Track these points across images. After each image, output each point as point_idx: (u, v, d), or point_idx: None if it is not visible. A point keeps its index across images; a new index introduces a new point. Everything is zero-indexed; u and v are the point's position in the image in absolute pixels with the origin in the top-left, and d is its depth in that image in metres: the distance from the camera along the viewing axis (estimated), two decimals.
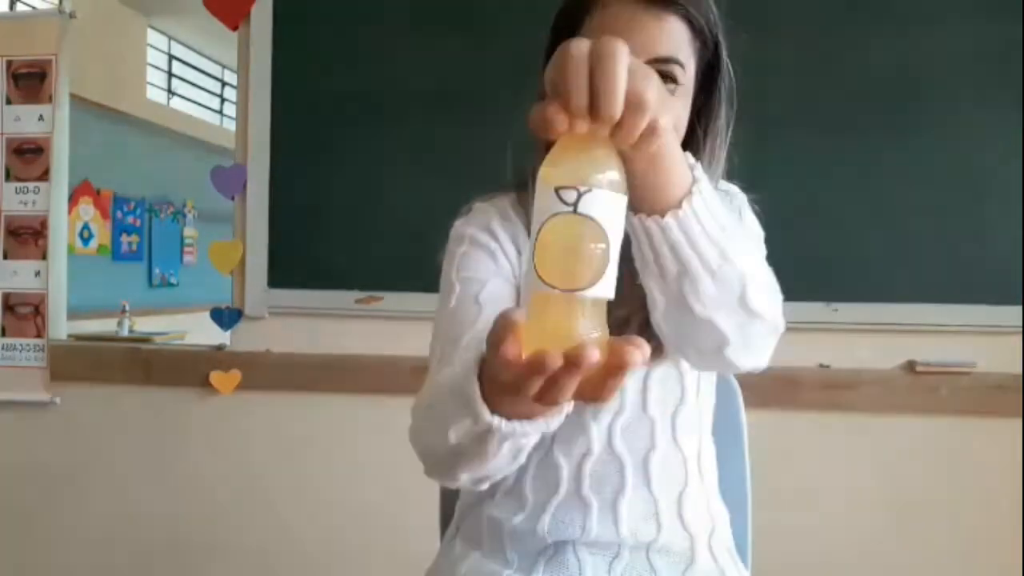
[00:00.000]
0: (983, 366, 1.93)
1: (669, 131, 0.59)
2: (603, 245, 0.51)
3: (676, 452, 0.92)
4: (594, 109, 0.53)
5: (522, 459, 0.70)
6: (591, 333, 0.51)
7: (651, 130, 0.55)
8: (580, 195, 0.51)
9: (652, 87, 0.54)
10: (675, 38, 0.82)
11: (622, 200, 0.53)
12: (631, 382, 0.90)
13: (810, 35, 1.95)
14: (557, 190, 0.51)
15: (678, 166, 0.66)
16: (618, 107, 0.52)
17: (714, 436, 1.01)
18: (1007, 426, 1.92)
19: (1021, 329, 1.91)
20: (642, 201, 0.67)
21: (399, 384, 2.01)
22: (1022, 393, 1.90)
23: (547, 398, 0.52)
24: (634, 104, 0.53)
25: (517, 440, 0.64)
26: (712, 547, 0.94)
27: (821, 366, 1.98)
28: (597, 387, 0.51)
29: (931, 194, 1.92)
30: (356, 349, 2.08)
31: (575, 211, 0.51)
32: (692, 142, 0.89)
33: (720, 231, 0.69)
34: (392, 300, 2.05)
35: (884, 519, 1.97)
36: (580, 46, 0.53)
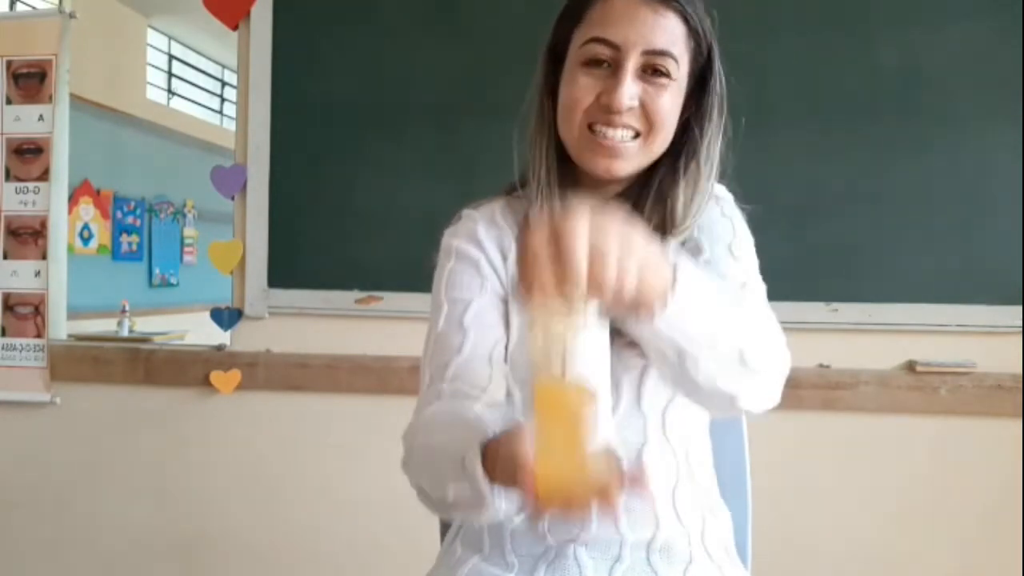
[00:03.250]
0: (983, 366, 1.93)
1: (641, 266, 0.63)
2: (591, 401, 0.58)
3: (666, 447, 0.93)
4: (562, 286, 0.60)
5: (515, 507, 0.75)
6: (596, 479, 0.58)
7: (618, 296, 0.62)
8: (564, 365, 0.59)
9: (609, 266, 0.60)
10: (671, 32, 0.85)
11: (603, 328, 0.64)
12: (627, 379, 0.90)
13: (810, 35, 1.95)
14: (543, 361, 0.59)
15: (656, 275, 0.68)
16: (581, 292, 0.60)
17: (714, 436, 1.01)
18: (1007, 426, 1.92)
19: (1021, 329, 1.91)
20: (629, 311, 0.70)
21: (398, 384, 2.02)
22: (1022, 393, 1.90)
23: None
24: (595, 287, 0.60)
25: (515, 498, 0.70)
26: (706, 545, 0.94)
27: (821, 366, 1.98)
28: (610, 505, 0.58)
29: (931, 194, 1.92)
30: (356, 349, 2.08)
31: (563, 378, 0.59)
32: (689, 143, 0.91)
33: (711, 311, 0.72)
34: (392, 300, 2.05)
35: (884, 519, 1.97)
36: (540, 240, 0.60)
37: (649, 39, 0.84)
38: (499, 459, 0.67)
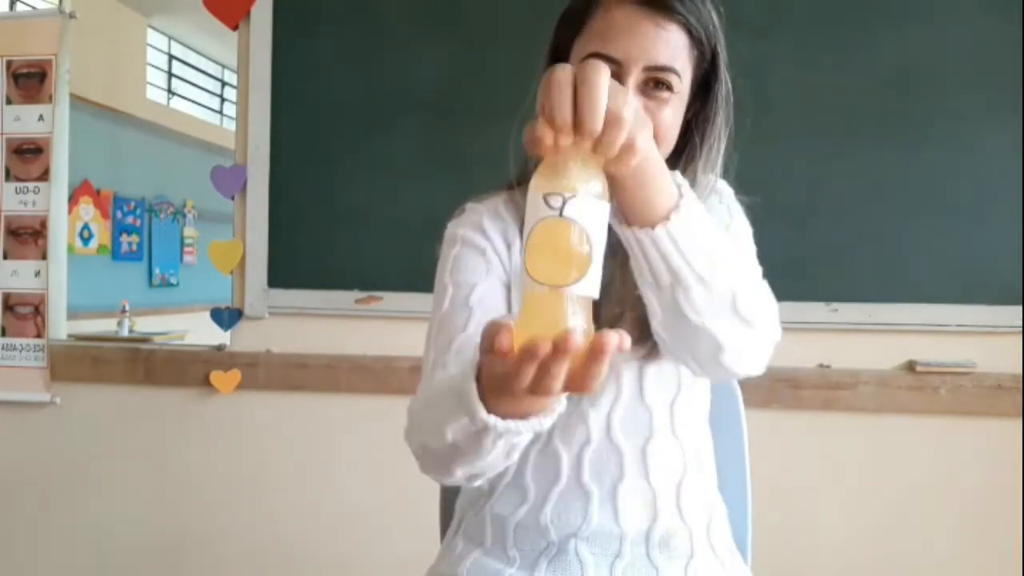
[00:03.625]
0: (983, 366, 1.93)
1: (648, 148, 0.64)
2: (587, 246, 0.57)
3: (674, 442, 0.93)
4: (577, 125, 0.59)
5: (515, 456, 0.74)
6: (577, 324, 0.56)
7: (629, 145, 0.61)
8: (565, 201, 0.57)
9: (629, 107, 0.60)
10: (674, 46, 0.84)
11: (605, 207, 0.59)
12: (627, 372, 0.91)
13: (810, 35, 1.95)
14: (545, 197, 0.58)
15: (663, 182, 0.70)
16: (598, 122, 0.58)
17: (714, 435, 1.02)
18: (1007, 426, 1.92)
19: (1021, 329, 1.91)
20: (632, 215, 0.71)
21: (398, 384, 2.02)
22: (1022, 393, 1.90)
23: (539, 387, 0.56)
24: (612, 120, 0.59)
25: (511, 438, 0.67)
26: (711, 540, 0.95)
27: (821, 366, 1.98)
28: (583, 375, 0.55)
29: (931, 194, 1.92)
30: (356, 349, 2.08)
31: (560, 215, 0.57)
32: (688, 148, 0.90)
33: (708, 242, 0.73)
34: (392, 300, 2.05)
35: (884, 519, 1.97)
36: (565, 70, 0.60)
37: (651, 54, 0.83)
38: (486, 367, 0.62)
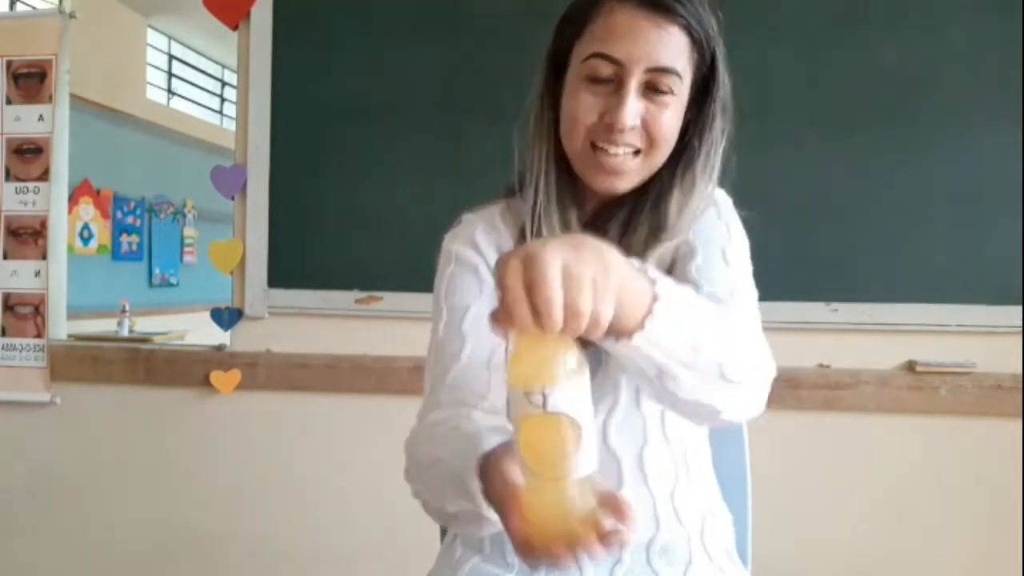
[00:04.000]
0: (983, 366, 1.93)
1: (612, 306, 0.62)
2: (575, 432, 0.58)
3: (666, 448, 0.93)
4: (539, 322, 0.58)
5: None
6: (581, 508, 0.58)
7: (594, 324, 0.60)
8: (545, 397, 0.58)
9: (584, 294, 0.58)
10: (674, 48, 0.84)
11: (584, 374, 0.60)
12: (625, 380, 0.91)
13: (810, 35, 1.95)
14: (525, 393, 0.58)
15: (632, 294, 0.66)
16: (557, 322, 0.58)
17: (714, 436, 1.01)
18: (1007, 426, 1.92)
19: (1021, 329, 1.91)
20: (609, 335, 0.69)
21: (398, 384, 2.02)
22: (1022, 393, 1.90)
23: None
24: (571, 315, 0.58)
25: None
26: (706, 546, 0.94)
27: (821, 366, 1.98)
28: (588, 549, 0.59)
29: (931, 194, 1.92)
30: (356, 349, 2.08)
31: (544, 409, 0.58)
32: (686, 151, 0.90)
33: (689, 329, 0.71)
34: (392, 300, 2.05)
35: (884, 519, 1.97)
36: (514, 271, 0.59)
37: (652, 56, 0.83)
38: (493, 484, 0.67)
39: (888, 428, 1.96)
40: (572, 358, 0.59)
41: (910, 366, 1.96)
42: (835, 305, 1.95)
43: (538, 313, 0.58)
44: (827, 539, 1.98)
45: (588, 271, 0.59)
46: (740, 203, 0.98)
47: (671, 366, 0.71)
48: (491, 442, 0.71)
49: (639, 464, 0.91)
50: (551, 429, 0.58)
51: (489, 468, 0.69)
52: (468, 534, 0.82)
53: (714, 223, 0.93)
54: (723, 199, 0.97)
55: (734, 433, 1.14)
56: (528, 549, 0.60)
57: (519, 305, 0.58)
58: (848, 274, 1.95)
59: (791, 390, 1.94)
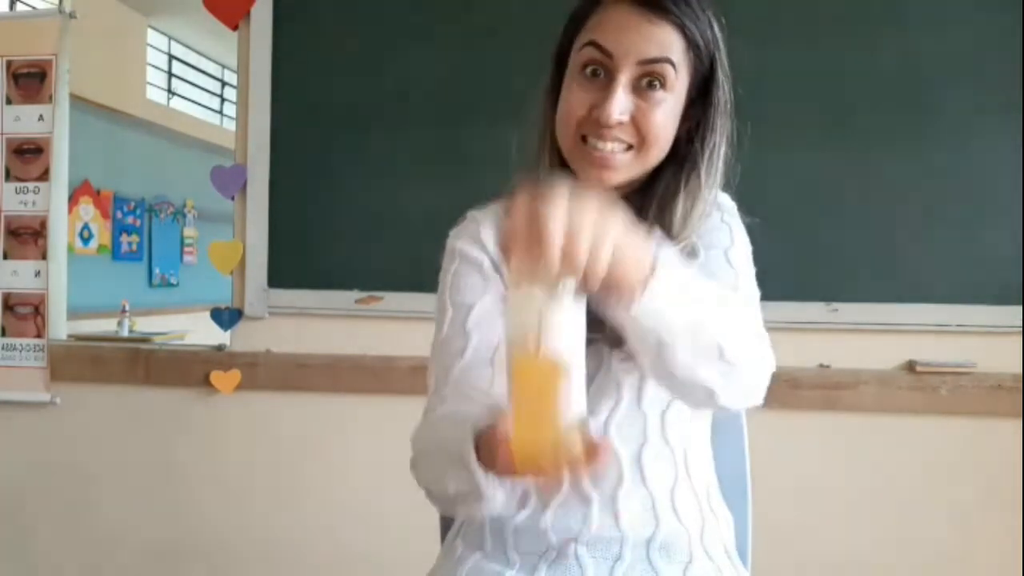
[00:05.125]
0: (983, 366, 1.93)
1: (614, 243, 0.64)
2: (565, 377, 0.60)
3: (665, 447, 0.93)
4: (535, 262, 0.61)
5: (517, 495, 0.77)
6: (568, 452, 0.60)
7: (592, 270, 0.62)
8: (539, 341, 0.60)
9: (582, 237, 0.61)
10: (666, 43, 0.85)
11: (580, 304, 0.63)
12: (627, 379, 0.91)
13: (810, 36, 1.95)
14: (519, 337, 0.61)
15: (634, 257, 0.68)
16: (553, 261, 0.61)
17: (714, 436, 1.02)
18: (1007, 426, 1.92)
19: (1021, 329, 1.91)
20: (608, 294, 0.70)
21: (399, 384, 2.02)
22: (1022, 393, 1.90)
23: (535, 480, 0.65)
24: (568, 265, 0.61)
25: (511, 487, 0.73)
26: (705, 545, 0.95)
27: (821, 366, 1.98)
28: (575, 472, 0.62)
29: (931, 194, 1.92)
30: (356, 349, 2.08)
31: (537, 354, 0.60)
32: (690, 157, 0.91)
33: (689, 302, 0.73)
34: (392, 300, 2.05)
35: (884, 519, 1.97)
36: (518, 218, 0.62)
37: (643, 49, 0.84)
38: (487, 444, 0.70)
39: (888, 428, 1.96)
40: (568, 305, 0.61)
41: (910, 366, 1.96)
42: (835, 305, 1.95)
43: (537, 259, 0.61)
44: (827, 539, 1.98)
45: (590, 218, 0.62)
46: (740, 203, 0.98)
47: (669, 338, 0.73)
48: (488, 417, 0.73)
49: (638, 463, 0.92)
50: (542, 373, 0.59)
51: (484, 435, 0.71)
52: (471, 516, 0.84)
53: (717, 226, 0.93)
54: (727, 203, 0.97)
55: (734, 433, 1.14)
56: (517, 470, 0.63)
57: (521, 249, 0.61)
58: (848, 274, 1.95)
59: (791, 390, 1.94)
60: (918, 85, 1.92)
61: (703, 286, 0.76)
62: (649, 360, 0.77)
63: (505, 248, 0.63)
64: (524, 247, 0.61)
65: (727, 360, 0.75)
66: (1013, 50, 1.90)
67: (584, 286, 0.63)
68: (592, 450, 0.61)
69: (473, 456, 0.70)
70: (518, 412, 0.62)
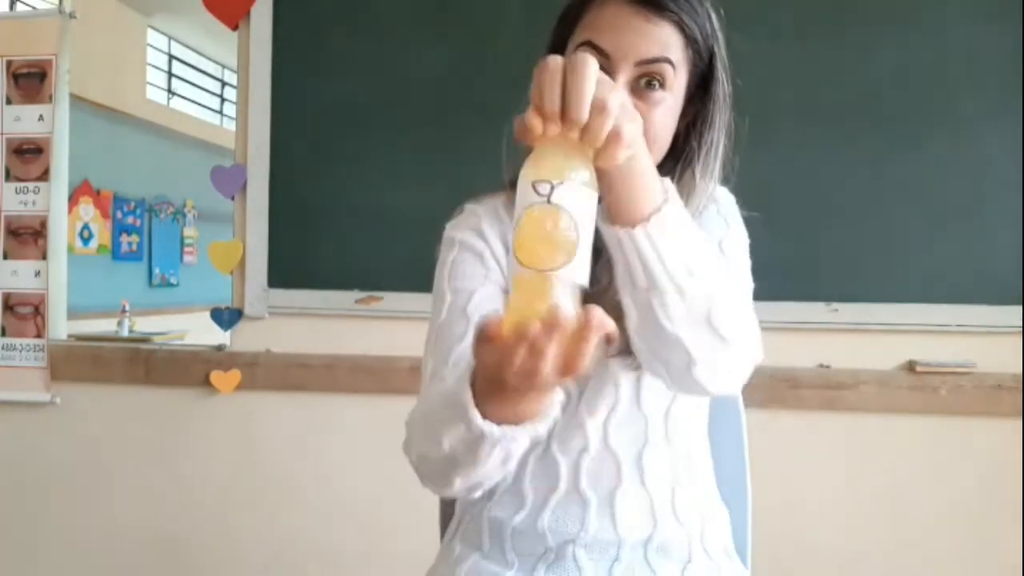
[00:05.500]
0: (983, 366, 1.93)
1: (636, 143, 0.65)
2: (574, 233, 0.58)
3: (668, 449, 0.93)
4: (564, 113, 0.60)
5: (512, 466, 0.74)
6: (565, 306, 0.57)
7: (615, 135, 0.62)
8: (553, 188, 0.59)
9: (615, 97, 0.61)
10: (665, 42, 0.83)
11: (592, 196, 0.61)
12: (625, 380, 0.91)
13: (810, 36, 1.95)
14: (533, 184, 0.59)
15: (650, 182, 0.70)
16: (584, 110, 0.60)
17: (713, 436, 1.02)
18: (1007, 426, 1.92)
19: (1021, 329, 1.91)
20: (617, 213, 0.71)
21: (398, 384, 2.01)
22: (1022, 393, 1.90)
23: (531, 370, 0.57)
24: (598, 108, 0.60)
25: (507, 444, 0.68)
26: (706, 545, 0.95)
27: (821, 366, 1.98)
28: (572, 354, 0.57)
29: (931, 194, 1.92)
30: (356, 349, 2.08)
31: (548, 201, 0.58)
32: (687, 152, 0.90)
33: (688, 250, 0.72)
34: (392, 300, 2.05)
35: (884, 519, 1.97)
36: (555, 60, 0.62)
37: (641, 49, 0.81)
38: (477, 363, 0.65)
39: (888, 428, 1.96)
40: (585, 173, 0.61)
41: (910, 366, 1.96)
42: (835, 305, 1.95)
43: (567, 101, 0.60)
44: (827, 539, 1.98)
45: (616, 103, 0.61)
46: (741, 203, 0.98)
47: (662, 280, 0.72)
48: None
49: (638, 465, 0.92)
50: (550, 219, 0.58)
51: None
52: (468, 491, 0.78)
53: (713, 218, 0.93)
54: (724, 196, 0.96)
55: (734, 433, 1.14)
56: (498, 340, 0.58)
57: (552, 93, 0.60)
58: (848, 274, 1.95)
59: (791, 390, 1.94)
60: (918, 85, 1.92)
61: (704, 238, 0.75)
62: (637, 304, 0.74)
63: (536, 94, 0.61)
64: (557, 95, 0.61)
65: (714, 327, 0.74)
66: (1013, 51, 1.90)
67: (607, 156, 0.63)
68: (587, 322, 0.56)
69: (469, 394, 0.66)
70: (519, 273, 0.59)
